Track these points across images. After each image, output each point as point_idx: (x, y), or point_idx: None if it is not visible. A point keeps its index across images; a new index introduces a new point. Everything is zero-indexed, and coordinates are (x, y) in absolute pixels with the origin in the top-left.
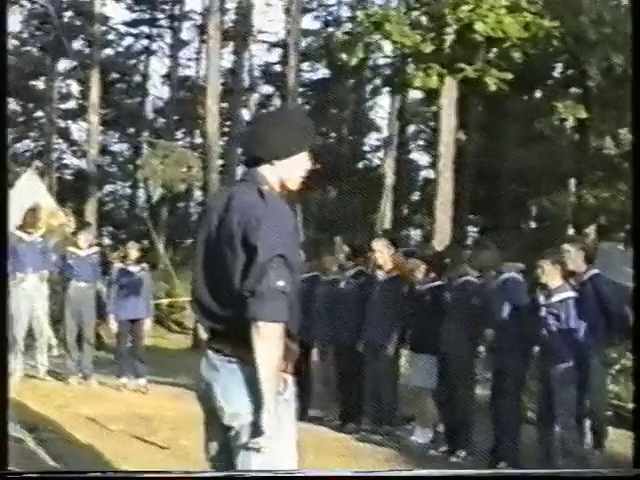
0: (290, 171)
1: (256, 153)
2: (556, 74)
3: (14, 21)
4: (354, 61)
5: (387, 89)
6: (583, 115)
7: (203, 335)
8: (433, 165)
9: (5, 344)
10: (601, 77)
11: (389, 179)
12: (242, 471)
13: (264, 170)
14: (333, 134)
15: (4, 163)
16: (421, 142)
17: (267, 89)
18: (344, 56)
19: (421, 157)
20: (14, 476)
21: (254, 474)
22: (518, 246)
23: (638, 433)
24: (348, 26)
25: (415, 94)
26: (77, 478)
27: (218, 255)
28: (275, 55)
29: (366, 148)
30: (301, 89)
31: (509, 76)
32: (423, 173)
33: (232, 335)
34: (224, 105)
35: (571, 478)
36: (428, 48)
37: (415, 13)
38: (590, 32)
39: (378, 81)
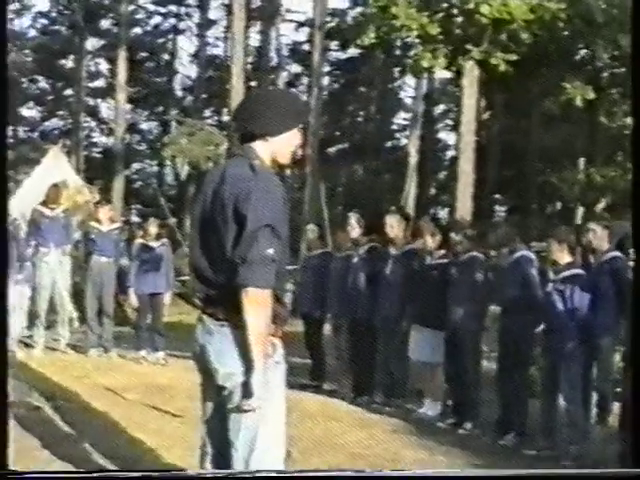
0: (282, 147)
1: (251, 129)
2: (565, 55)
3: (43, 0)
4: (366, 41)
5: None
6: (591, 96)
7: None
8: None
9: (5, 345)
10: (609, 58)
11: (413, 158)
12: (240, 472)
13: (257, 145)
14: (361, 113)
15: (4, 161)
16: (449, 121)
17: (295, 68)
18: (358, 36)
19: (448, 137)
20: (14, 476)
21: (250, 474)
22: (541, 225)
23: (638, 433)
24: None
25: (444, 73)
26: (77, 478)
27: (212, 225)
28: (303, 34)
29: (394, 127)
30: (329, 68)
31: (513, 57)
32: (450, 153)
33: (225, 300)
34: (252, 84)
35: (571, 478)
36: (435, 30)
37: None
38: (597, 14)
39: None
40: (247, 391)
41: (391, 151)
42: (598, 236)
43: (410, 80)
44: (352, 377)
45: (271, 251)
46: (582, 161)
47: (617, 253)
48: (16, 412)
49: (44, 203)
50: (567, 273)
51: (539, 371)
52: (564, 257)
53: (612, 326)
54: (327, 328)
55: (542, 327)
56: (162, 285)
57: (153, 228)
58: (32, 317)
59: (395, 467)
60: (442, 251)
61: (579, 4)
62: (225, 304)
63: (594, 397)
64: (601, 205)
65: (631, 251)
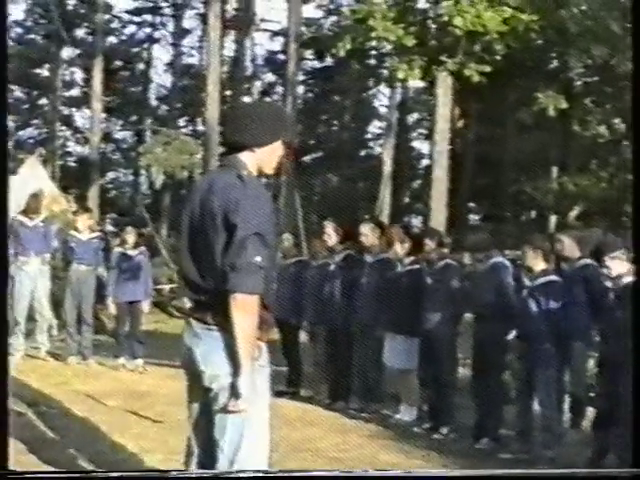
0: (268, 157)
1: (239, 141)
2: (539, 66)
3: (18, 9)
4: (342, 52)
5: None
6: (564, 105)
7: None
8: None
9: (5, 347)
10: (582, 68)
11: (387, 167)
12: (226, 472)
13: (244, 156)
14: (335, 121)
15: (4, 150)
16: (423, 130)
17: (270, 77)
18: (334, 46)
19: (422, 145)
20: (14, 476)
21: (249, 474)
22: (515, 233)
23: (638, 433)
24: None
25: (418, 82)
26: (77, 478)
27: (201, 233)
28: (278, 43)
29: (368, 136)
30: (304, 77)
31: (487, 68)
32: (424, 161)
33: (213, 305)
34: (227, 93)
35: (571, 478)
36: (410, 42)
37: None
38: (571, 25)
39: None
40: (234, 393)
41: (365, 160)
42: (566, 246)
43: (384, 89)
44: (328, 384)
45: (259, 258)
46: (555, 169)
47: (588, 261)
48: None
49: (24, 212)
50: (542, 280)
51: (514, 376)
52: (539, 264)
53: (584, 331)
54: (303, 335)
55: (517, 333)
56: (140, 293)
57: (131, 237)
58: (11, 325)
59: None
60: (411, 258)
61: (552, 15)
62: (213, 309)
63: (567, 402)
64: (574, 213)
65: (606, 259)
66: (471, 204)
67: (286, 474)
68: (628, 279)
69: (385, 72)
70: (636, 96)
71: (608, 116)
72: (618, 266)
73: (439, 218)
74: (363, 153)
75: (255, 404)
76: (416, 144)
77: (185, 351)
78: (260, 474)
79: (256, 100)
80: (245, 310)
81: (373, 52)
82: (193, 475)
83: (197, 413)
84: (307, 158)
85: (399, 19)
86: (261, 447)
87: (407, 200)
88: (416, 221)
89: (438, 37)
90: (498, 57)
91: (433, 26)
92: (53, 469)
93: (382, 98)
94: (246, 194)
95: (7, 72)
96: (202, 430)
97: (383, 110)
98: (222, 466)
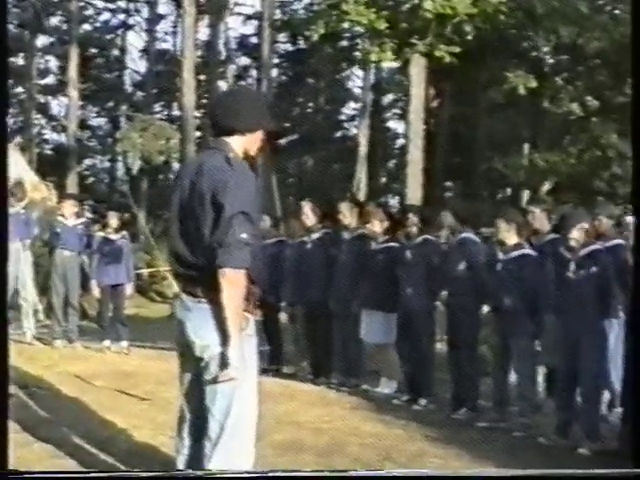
0: (253, 141)
1: (229, 125)
2: (508, 46)
3: None
4: (315, 36)
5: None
6: (533, 84)
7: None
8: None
9: (6, 347)
10: (552, 47)
11: (363, 148)
12: (234, 472)
13: (232, 140)
14: (310, 104)
15: (4, 143)
16: (398, 110)
17: (244, 61)
18: (308, 30)
19: (397, 125)
20: (14, 476)
21: (248, 475)
22: (489, 210)
23: (638, 433)
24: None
25: (391, 63)
26: (77, 478)
27: (191, 212)
28: (251, 27)
29: (343, 117)
30: (278, 60)
31: (457, 49)
32: (400, 141)
33: (203, 280)
34: (202, 77)
35: (571, 478)
36: (382, 25)
37: None
38: (539, 6)
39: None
40: (224, 362)
41: (341, 141)
42: (537, 218)
43: (358, 70)
44: (310, 360)
45: (245, 235)
46: (527, 147)
47: (557, 235)
48: None
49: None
50: (516, 253)
51: (490, 349)
52: (512, 238)
53: (554, 303)
54: (283, 314)
55: (492, 306)
56: (123, 277)
57: (114, 221)
58: None
59: (355, 440)
60: (387, 236)
61: None
62: (203, 283)
63: (542, 372)
64: (545, 188)
65: (574, 232)
66: (446, 183)
67: (283, 474)
68: (588, 249)
69: (358, 54)
70: (636, 94)
71: (580, 93)
72: (582, 237)
73: (415, 197)
74: (338, 134)
75: (244, 372)
76: (391, 124)
77: (177, 324)
78: (258, 474)
79: (245, 87)
80: (233, 284)
81: (346, 35)
82: (193, 475)
83: (189, 382)
84: (283, 141)
85: (371, 3)
86: (250, 411)
87: (383, 180)
88: (393, 201)
89: (409, 20)
90: (468, 38)
91: (404, 9)
92: (53, 469)
93: (356, 79)
94: (233, 176)
95: (8, 66)
96: (194, 398)
97: (357, 91)
98: (213, 431)
